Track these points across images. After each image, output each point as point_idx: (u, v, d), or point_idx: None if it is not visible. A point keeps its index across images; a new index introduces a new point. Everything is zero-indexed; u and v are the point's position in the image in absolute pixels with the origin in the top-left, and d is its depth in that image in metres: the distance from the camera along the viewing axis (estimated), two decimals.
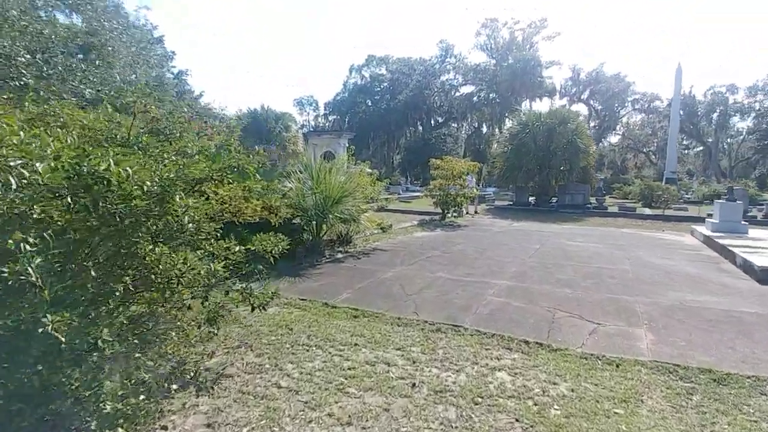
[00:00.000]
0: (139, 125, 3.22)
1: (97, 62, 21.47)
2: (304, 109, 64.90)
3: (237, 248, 3.28)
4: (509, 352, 4.38)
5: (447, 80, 47.60)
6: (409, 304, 5.77)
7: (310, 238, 8.84)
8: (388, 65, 52.46)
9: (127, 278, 2.30)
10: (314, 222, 8.57)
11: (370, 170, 25.61)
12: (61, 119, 3.35)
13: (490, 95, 46.30)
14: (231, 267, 4.02)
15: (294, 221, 8.52)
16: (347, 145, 14.97)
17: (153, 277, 2.39)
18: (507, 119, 48.61)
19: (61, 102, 3.34)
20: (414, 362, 4.15)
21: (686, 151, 60.37)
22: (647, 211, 19.36)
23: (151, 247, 2.28)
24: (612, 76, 48.66)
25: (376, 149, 55.63)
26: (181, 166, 2.44)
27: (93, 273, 2.09)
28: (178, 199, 2.32)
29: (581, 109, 49.88)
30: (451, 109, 48.10)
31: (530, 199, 22.71)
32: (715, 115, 49.97)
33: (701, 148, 56.09)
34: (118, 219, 2.04)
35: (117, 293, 2.21)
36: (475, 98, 46.81)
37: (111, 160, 1.94)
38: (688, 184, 35.74)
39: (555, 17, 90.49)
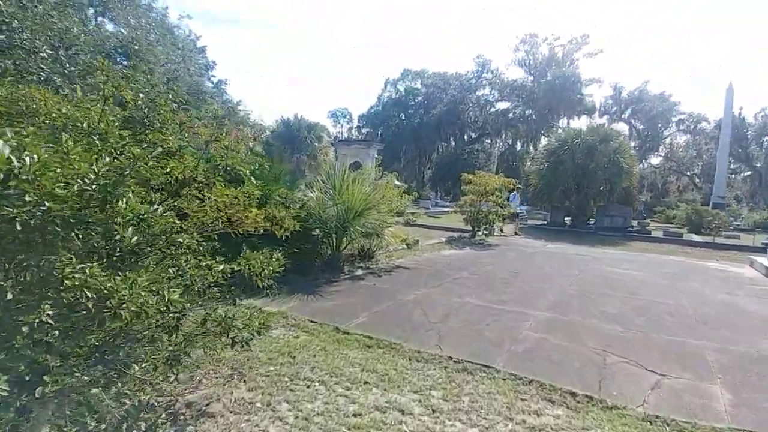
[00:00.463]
0: (115, 112, 2.66)
1: (136, 68, 21.87)
2: (338, 121, 65.33)
3: (220, 267, 2.65)
4: (551, 406, 3.56)
5: (482, 95, 46.70)
6: (432, 335, 5.01)
7: (329, 251, 8.21)
8: (423, 79, 52.06)
9: (47, 307, 1.69)
10: (334, 235, 7.94)
11: (398, 182, 24.98)
12: (34, 106, 2.85)
13: (526, 112, 45.12)
14: (225, 283, 3.42)
15: (313, 233, 7.93)
16: (376, 156, 14.43)
17: (87, 306, 1.78)
18: (543, 137, 47.27)
19: (34, 87, 2.81)
20: (434, 412, 3.40)
21: (733, 176, 56.98)
22: (695, 237, 17.85)
23: (74, 267, 1.66)
24: (656, 96, 46.53)
25: (407, 163, 55.11)
26: (132, 160, 1.82)
27: None
28: (123, 204, 1.70)
29: (622, 128, 47.89)
30: (486, 125, 47.10)
31: (566, 219, 21.49)
32: (766, 139, 46.93)
33: (750, 172, 52.79)
34: (19, 227, 1.44)
35: (25, 328, 1.60)
36: (510, 114, 45.69)
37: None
38: (737, 210, 33.38)
39: (597, 34, 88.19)
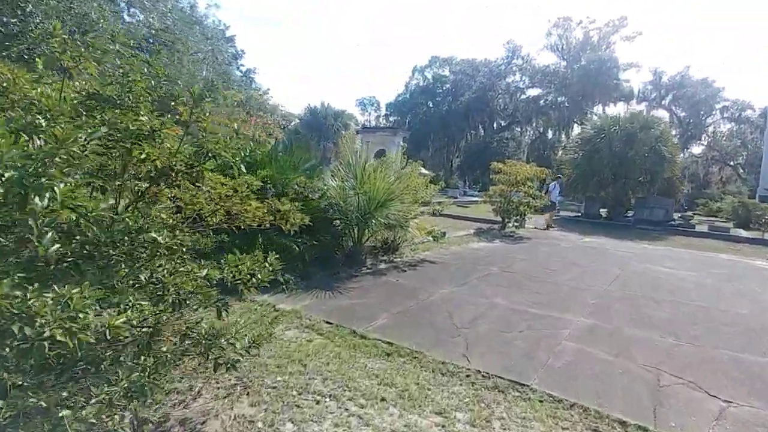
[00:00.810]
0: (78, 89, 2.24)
1: (164, 58, 21.83)
2: (366, 109, 64.83)
3: (203, 272, 2.21)
4: None
5: (512, 82, 45.11)
6: (458, 342, 4.50)
7: (351, 244, 7.77)
8: (452, 66, 50.78)
9: None
10: (356, 226, 7.48)
11: (425, 171, 24.27)
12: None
13: (559, 99, 43.38)
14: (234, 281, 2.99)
15: (334, 224, 7.50)
16: (401, 143, 13.86)
17: None
18: (576, 125, 45.46)
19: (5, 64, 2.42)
20: None
21: None
22: (743, 233, 16.56)
23: None
24: (698, 81, 43.85)
25: (435, 151, 54.16)
26: (57, 141, 1.37)
27: None
28: (39, 201, 1.26)
29: (662, 115, 45.49)
30: (516, 112, 45.58)
31: (601, 211, 20.41)
32: None
33: None
34: None
35: None
36: (541, 101, 44.04)
37: None
38: None
39: (635, 16, 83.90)
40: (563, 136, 49.98)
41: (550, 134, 50.21)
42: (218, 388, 3.49)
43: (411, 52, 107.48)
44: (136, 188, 2.21)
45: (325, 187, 7.59)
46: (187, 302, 2.12)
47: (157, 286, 1.98)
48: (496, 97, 44.57)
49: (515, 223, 13.33)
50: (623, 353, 4.38)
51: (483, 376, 3.79)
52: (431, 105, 52.30)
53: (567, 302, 6.10)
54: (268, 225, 3.78)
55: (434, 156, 54.76)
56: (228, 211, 3.13)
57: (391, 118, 60.26)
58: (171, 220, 2.39)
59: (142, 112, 2.11)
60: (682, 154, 45.82)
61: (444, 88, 51.30)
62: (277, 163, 7.26)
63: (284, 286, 6.08)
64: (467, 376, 3.79)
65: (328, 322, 4.94)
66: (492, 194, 13.64)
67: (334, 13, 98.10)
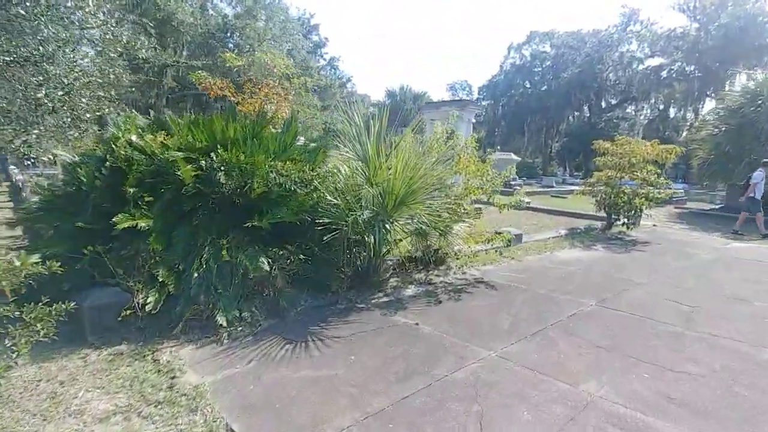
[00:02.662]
0: None
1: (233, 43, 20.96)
2: (457, 93, 60.97)
3: None
4: None
5: (627, 51, 38.16)
6: None
7: (367, 257, 5.22)
8: (553, 41, 44.81)
9: None
10: (371, 234, 4.88)
11: (515, 157, 20.66)
12: None
13: (687, 68, 35.72)
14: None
15: (335, 228, 5.00)
16: (473, 120, 10.85)
17: None
18: (709, 98, 37.25)
19: None
20: None
21: None
22: None
23: None
24: None
25: (531, 136, 48.87)
26: None
27: None
28: None
29: None
30: (629, 88, 38.63)
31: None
32: None
33: None
34: None
35: None
36: (663, 73, 36.66)
37: None
38: None
39: None
40: (690, 113, 41.76)
41: (672, 112, 42.23)
42: None
43: (508, 31, 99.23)
44: None
45: (329, 176, 5.11)
46: None
47: None
48: (606, 71, 38.06)
49: (626, 221, 9.62)
50: None
51: None
52: (528, 85, 46.98)
53: (739, 397, 2.94)
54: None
55: (531, 141, 49.46)
56: None
57: (484, 102, 55.84)
58: None
59: None
60: None
61: (544, 65, 45.63)
62: (260, 142, 4.96)
63: (227, 331, 3.79)
64: None
65: None
66: (594, 183, 10.04)
67: (335, 7, 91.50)
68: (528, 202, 13.85)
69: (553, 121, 45.30)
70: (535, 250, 7.51)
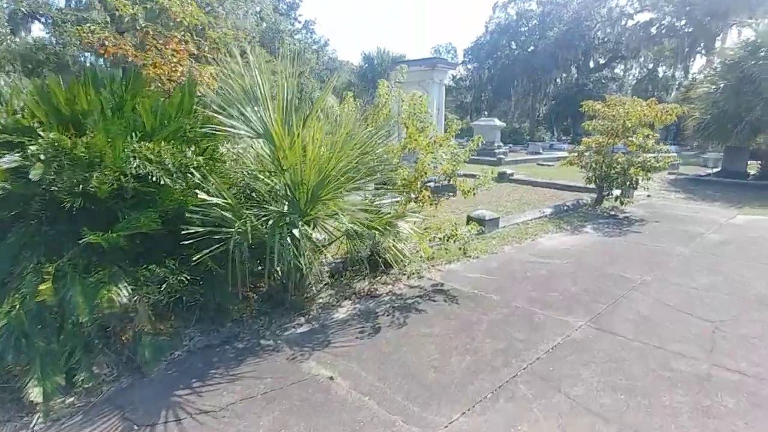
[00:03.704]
0: None
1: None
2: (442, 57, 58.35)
3: None
4: None
5: (616, 6, 36.02)
6: None
7: (285, 270, 3.87)
8: None
9: None
10: (277, 242, 3.47)
11: (498, 122, 19.13)
12: None
13: (677, 23, 33.84)
14: None
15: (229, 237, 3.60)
16: (445, 81, 9.31)
17: None
18: (699, 55, 35.61)
19: None
20: None
21: None
22: None
23: None
24: None
25: (518, 100, 46.97)
26: None
27: None
28: None
29: None
30: (618, 46, 36.68)
31: (748, 169, 14.13)
32: None
33: None
34: None
35: None
36: (653, 29, 34.73)
37: None
38: None
39: None
40: (680, 72, 40.21)
41: (661, 71, 40.68)
42: None
43: None
44: None
45: (228, 161, 3.70)
46: None
47: None
48: (594, 28, 35.97)
49: (620, 195, 8.35)
50: None
51: None
52: (514, 46, 44.68)
53: None
54: None
55: (518, 105, 47.61)
56: None
57: (469, 66, 53.47)
58: None
59: None
60: None
61: (530, 25, 43.25)
62: (124, 116, 3.52)
63: (43, 410, 2.50)
64: None
65: None
66: (582, 151, 8.70)
67: None
68: (511, 174, 12.54)
69: (540, 83, 43.39)
70: (515, 238, 6.23)
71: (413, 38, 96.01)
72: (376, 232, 3.70)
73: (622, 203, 8.27)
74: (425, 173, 4.58)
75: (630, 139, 8.17)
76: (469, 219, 6.43)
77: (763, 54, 12.55)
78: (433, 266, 4.90)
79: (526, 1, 44.03)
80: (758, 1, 29.04)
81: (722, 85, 13.63)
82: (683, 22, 33.57)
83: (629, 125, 8.05)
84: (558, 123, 42.37)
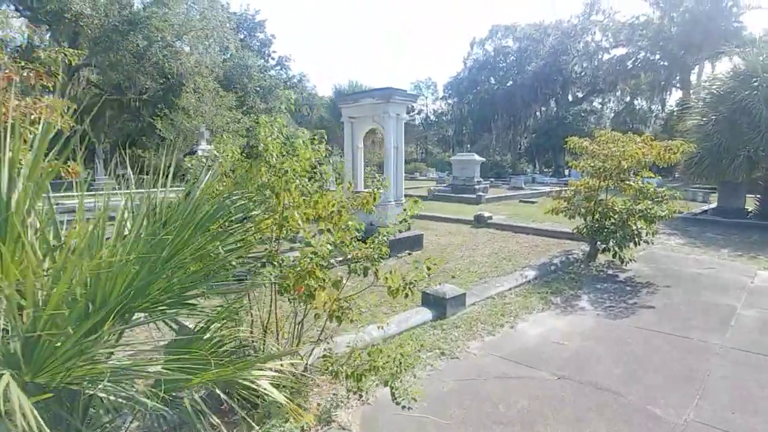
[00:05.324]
0: None
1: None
2: (422, 92, 58.34)
3: None
4: None
5: (592, 41, 35.93)
6: None
7: None
8: (515, 34, 42.43)
9: None
10: None
11: (477, 158, 17.74)
12: None
13: (652, 57, 33.71)
14: None
15: None
16: (405, 116, 7.76)
17: None
18: (674, 88, 35.44)
19: None
20: None
21: None
22: None
23: None
24: None
25: (499, 133, 46.43)
26: None
27: None
28: None
29: None
30: (595, 79, 36.40)
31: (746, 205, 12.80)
32: None
33: None
34: None
35: None
36: (629, 63, 34.56)
37: None
38: None
39: None
40: (656, 104, 40.19)
41: (638, 104, 40.60)
42: None
43: (471, 26, 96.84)
44: None
45: None
46: None
47: None
48: (571, 62, 35.68)
49: (618, 250, 6.67)
50: None
51: None
52: (493, 81, 44.52)
53: None
54: None
55: (499, 139, 47.05)
56: None
57: (449, 101, 53.30)
58: None
59: None
60: None
61: (508, 60, 43.23)
62: None
63: None
64: None
65: None
66: (569, 197, 7.10)
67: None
68: (489, 218, 10.91)
69: (520, 117, 42.93)
70: (486, 324, 4.46)
71: (392, 74, 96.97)
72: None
73: (622, 261, 6.58)
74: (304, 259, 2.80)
75: (627, 183, 6.61)
76: (426, 297, 4.68)
77: (755, 83, 11.38)
78: (347, 401, 3.07)
79: (503, 38, 44.22)
80: (732, 32, 28.94)
81: (714, 118, 12.39)
82: (658, 56, 33.46)
83: (626, 166, 6.49)
84: (539, 156, 41.65)
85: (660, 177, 25.85)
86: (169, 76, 17.56)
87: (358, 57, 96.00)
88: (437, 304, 4.54)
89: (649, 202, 6.53)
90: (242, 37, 29.68)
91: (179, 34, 17.23)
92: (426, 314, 4.41)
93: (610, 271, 6.70)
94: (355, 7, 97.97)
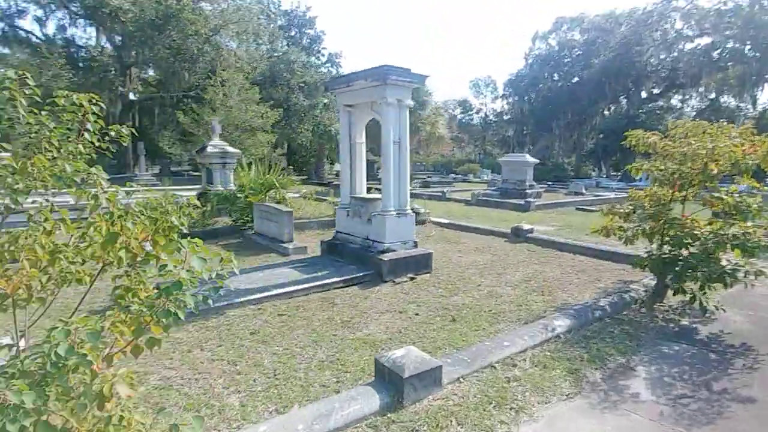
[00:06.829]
0: None
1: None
2: (481, 91, 55.51)
3: None
4: None
5: (672, 27, 31.47)
6: None
7: None
8: (582, 26, 38.54)
9: None
10: None
11: (530, 159, 15.49)
12: None
13: (741, 47, 28.82)
14: None
15: None
16: (409, 102, 6.10)
17: None
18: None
19: None
20: None
21: None
22: None
23: None
24: None
25: (561, 133, 42.55)
26: None
27: None
28: None
29: None
30: (675, 73, 31.85)
31: None
32: None
33: None
34: None
35: None
36: (715, 53, 29.84)
37: None
38: None
39: None
40: (745, 102, 34.49)
41: (725, 100, 35.13)
42: None
43: (535, 20, 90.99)
44: None
45: None
46: None
47: None
48: (646, 54, 31.49)
49: (699, 292, 4.55)
50: None
51: None
52: (556, 77, 40.85)
53: None
54: None
55: (561, 139, 43.13)
56: None
57: (510, 99, 49.95)
58: None
59: None
60: None
61: (573, 55, 39.39)
62: None
63: None
64: None
65: None
66: (626, 212, 5.05)
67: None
68: (529, 231, 8.89)
69: (585, 116, 38.92)
70: (467, 428, 2.73)
71: (451, 73, 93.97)
72: None
73: (704, 311, 4.46)
74: None
75: (716, 195, 4.48)
76: (379, 367, 3.03)
77: None
78: None
79: (569, 31, 40.44)
80: None
81: None
82: (748, 46, 28.55)
83: (715, 171, 4.37)
84: (606, 158, 37.56)
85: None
86: (210, 73, 17.15)
87: (420, 57, 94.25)
88: (394, 382, 2.89)
89: (750, 224, 4.36)
90: (293, 33, 29.23)
91: (216, 28, 16.69)
92: (371, 400, 2.77)
93: (684, 321, 4.60)
94: (408, 2, 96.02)
